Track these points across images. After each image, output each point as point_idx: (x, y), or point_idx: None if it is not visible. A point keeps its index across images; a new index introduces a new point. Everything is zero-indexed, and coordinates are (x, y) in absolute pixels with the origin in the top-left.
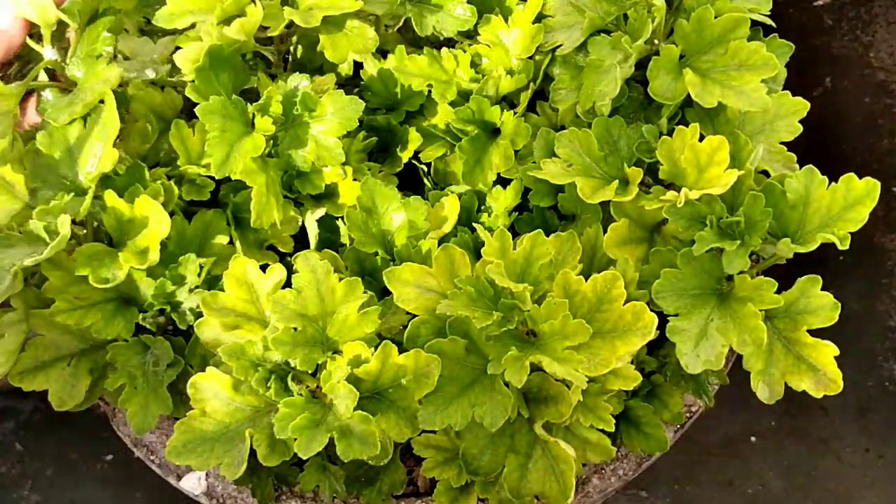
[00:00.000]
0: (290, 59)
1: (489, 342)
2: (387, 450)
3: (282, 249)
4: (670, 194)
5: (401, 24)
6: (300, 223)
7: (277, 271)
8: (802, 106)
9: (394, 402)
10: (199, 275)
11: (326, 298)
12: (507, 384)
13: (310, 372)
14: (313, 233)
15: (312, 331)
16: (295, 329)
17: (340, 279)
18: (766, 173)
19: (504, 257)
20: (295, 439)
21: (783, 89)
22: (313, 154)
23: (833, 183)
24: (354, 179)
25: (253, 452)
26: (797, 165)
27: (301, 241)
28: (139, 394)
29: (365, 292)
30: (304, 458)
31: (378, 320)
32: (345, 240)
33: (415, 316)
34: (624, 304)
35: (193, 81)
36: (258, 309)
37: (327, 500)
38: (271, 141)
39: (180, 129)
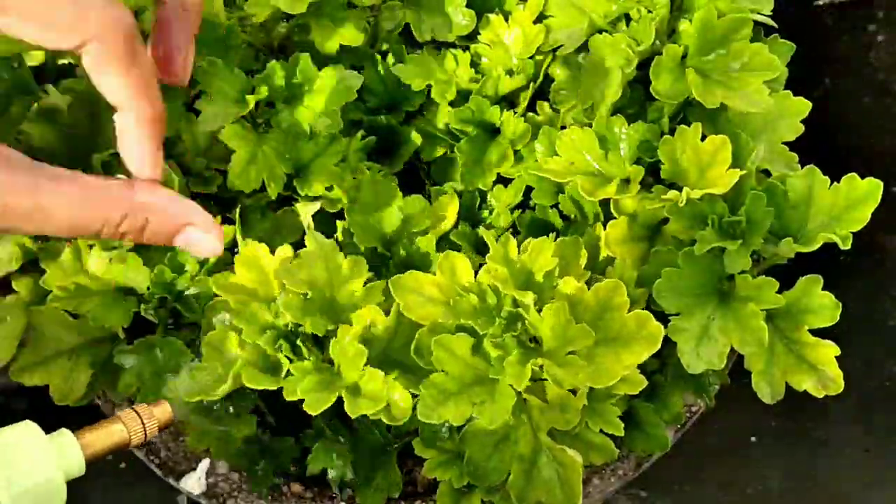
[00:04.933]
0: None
1: (493, 346)
2: (404, 410)
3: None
4: (672, 193)
5: (401, 27)
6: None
7: (287, 250)
8: (804, 106)
9: (407, 366)
10: (198, 262)
11: (333, 273)
12: (510, 386)
13: (320, 336)
14: (310, 227)
15: (320, 300)
16: (304, 296)
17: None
18: (767, 173)
19: (508, 264)
20: (303, 401)
21: (784, 89)
22: (310, 117)
23: (835, 183)
24: (353, 178)
25: (258, 439)
26: (799, 165)
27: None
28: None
29: (371, 276)
30: (314, 413)
31: (382, 296)
32: (340, 236)
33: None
34: (628, 312)
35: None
36: (267, 291)
37: (335, 481)
38: (268, 108)
39: (190, 121)
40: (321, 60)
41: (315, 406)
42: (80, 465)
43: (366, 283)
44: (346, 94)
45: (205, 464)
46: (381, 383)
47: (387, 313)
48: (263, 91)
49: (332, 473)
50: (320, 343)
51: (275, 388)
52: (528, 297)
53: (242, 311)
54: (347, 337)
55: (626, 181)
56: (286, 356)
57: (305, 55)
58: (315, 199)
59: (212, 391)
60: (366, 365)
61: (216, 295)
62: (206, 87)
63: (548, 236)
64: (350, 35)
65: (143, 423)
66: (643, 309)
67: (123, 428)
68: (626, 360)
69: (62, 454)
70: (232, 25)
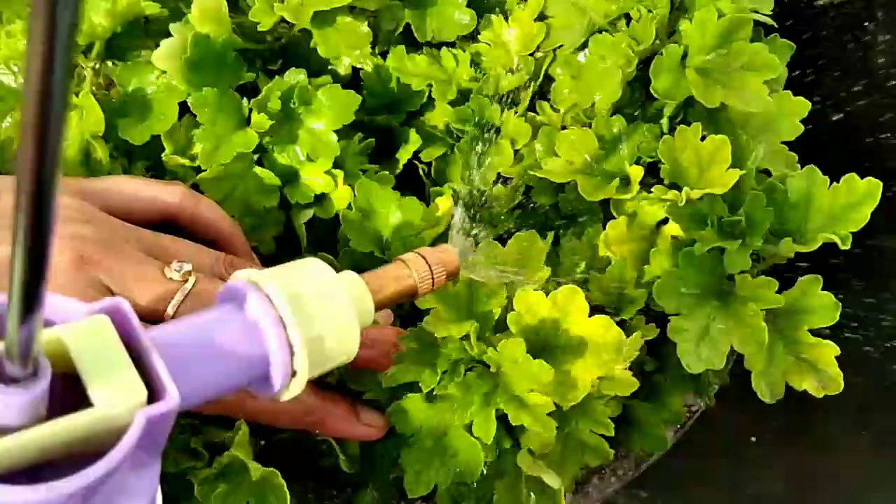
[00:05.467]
0: (285, 59)
1: (448, 391)
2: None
3: (263, 252)
4: (672, 193)
5: (401, 28)
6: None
7: None
8: (804, 106)
9: None
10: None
11: None
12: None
13: None
14: (302, 233)
15: None
16: None
17: None
18: (767, 173)
19: (444, 300)
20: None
21: (784, 89)
22: (307, 147)
23: (834, 183)
24: (349, 185)
25: None
26: (799, 165)
27: (285, 242)
28: None
29: None
30: None
31: None
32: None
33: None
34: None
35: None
36: None
37: None
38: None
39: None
40: (321, 62)
41: None
42: (371, 310)
43: None
44: (346, 115)
45: None
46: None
47: None
48: (261, 121)
49: None
50: None
51: None
52: (469, 327)
53: None
54: None
55: (626, 181)
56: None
57: (300, 73)
58: (306, 206)
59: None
60: None
61: None
62: (200, 117)
63: (544, 236)
64: (353, 41)
65: (430, 270)
66: (643, 308)
67: (410, 273)
68: (594, 370)
69: (354, 296)
70: (225, 41)
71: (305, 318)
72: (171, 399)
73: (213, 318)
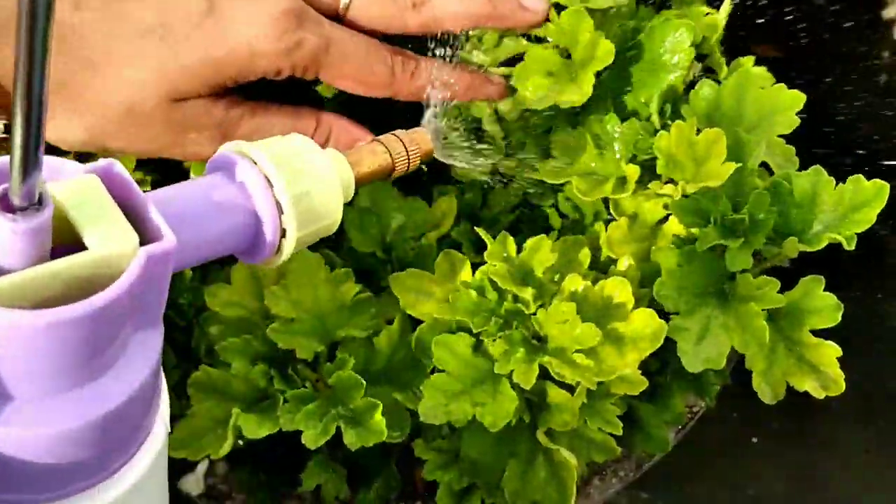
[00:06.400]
0: None
1: (495, 343)
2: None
3: None
4: (668, 188)
5: None
6: None
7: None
8: (799, 99)
9: (405, 382)
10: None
11: (318, 289)
12: (512, 387)
13: (309, 360)
14: None
15: (309, 321)
16: (292, 320)
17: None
18: (766, 166)
19: (506, 261)
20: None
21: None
22: None
23: (840, 184)
24: None
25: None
26: (797, 158)
27: None
28: None
29: (360, 288)
30: (312, 448)
31: (372, 309)
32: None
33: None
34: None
35: None
36: (262, 305)
37: (329, 499)
38: None
39: None
40: None
41: (313, 440)
42: (351, 183)
43: (357, 295)
44: None
45: (204, 464)
46: (381, 415)
47: (389, 323)
48: None
49: (326, 491)
50: (316, 366)
51: (275, 430)
52: (528, 293)
53: (236, 327)
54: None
55: (623, 180)
56: (279, 388)
57: None
58: None
59: (211, 451)
60: (366, 391)
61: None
62: None
63: (547, 235)
64: None
65: (406, 150)
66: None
67: (386, 150)
68: (629, 356)
69: (336, 166)
70: None
71: (291, 177)
72: (168, 241)
73: (203, 182)
